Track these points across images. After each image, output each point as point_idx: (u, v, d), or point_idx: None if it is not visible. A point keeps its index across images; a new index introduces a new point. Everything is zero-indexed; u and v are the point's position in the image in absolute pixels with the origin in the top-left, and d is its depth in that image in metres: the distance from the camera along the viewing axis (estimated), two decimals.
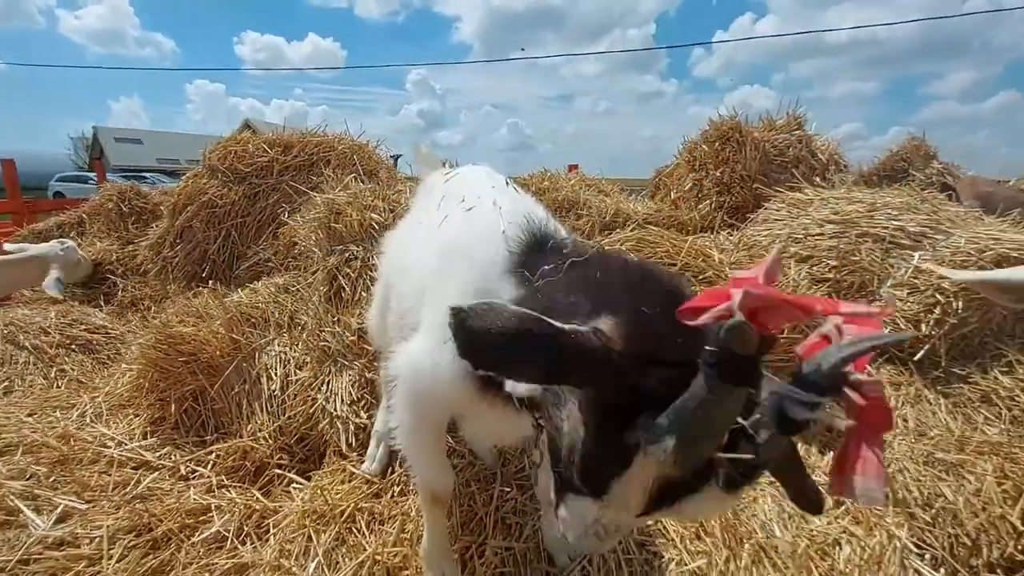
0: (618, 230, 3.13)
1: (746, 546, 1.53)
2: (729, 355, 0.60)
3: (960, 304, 2.44)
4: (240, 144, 4.21)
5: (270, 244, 3.83)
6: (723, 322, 0.61)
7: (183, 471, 2.11)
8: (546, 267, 1.00)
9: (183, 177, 4.49)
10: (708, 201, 4.40)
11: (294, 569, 1.56)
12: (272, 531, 1.76)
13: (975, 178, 4.74)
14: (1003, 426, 2.19)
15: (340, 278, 2.60)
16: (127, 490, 1.92)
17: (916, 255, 2.50)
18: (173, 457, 2.19)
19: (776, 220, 3.24)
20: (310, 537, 1.68)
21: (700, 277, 2.36)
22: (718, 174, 4.40)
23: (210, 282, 3.69)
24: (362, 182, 3.46)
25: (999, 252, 2.41)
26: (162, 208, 4.76)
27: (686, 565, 1.50)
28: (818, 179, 3.95)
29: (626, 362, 0.71)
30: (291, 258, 3.49)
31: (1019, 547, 1.75)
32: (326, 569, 1.57)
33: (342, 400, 2.27)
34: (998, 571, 1.75)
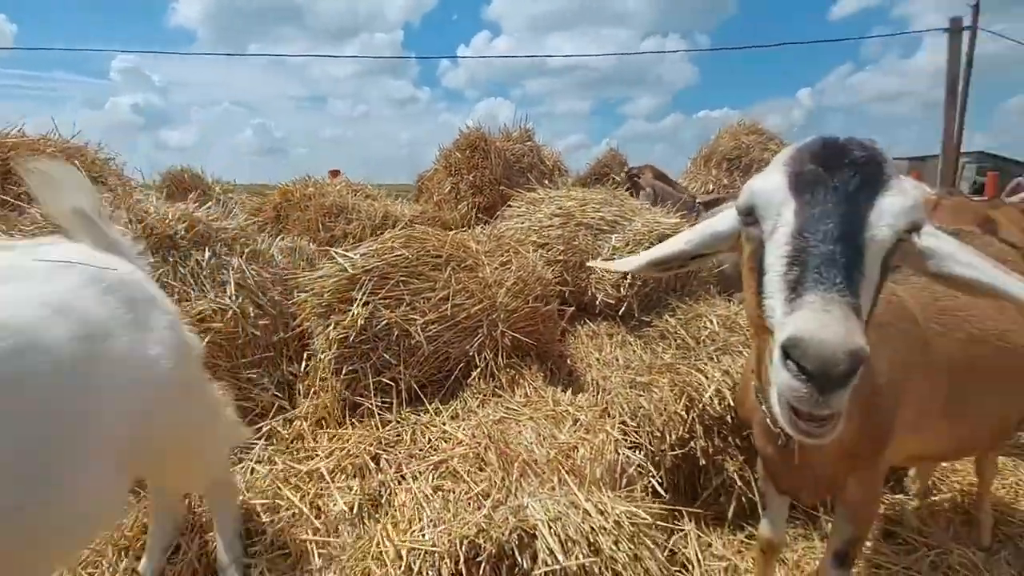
0: (388, 230, 3.42)
1: (515, 465, 1.99)
2: None
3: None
4: None
5: None
6: None
7: None
8: None
9: None
10: (466, 202, 5.00)
11: None
12: None
13: (651, 166, 6.26)
14: (672, 352, 3.14)
15: None
16: None
17: (612, 237, 3.38)
18: None
19: (518, 216, 3.92)
20: None
21: (463, 264, 2.80)
22: (471, 178, 5.03)
23: None
24: None
25: (661, 232, 3.42)
26: None
27: (474, 490, 1.89)
28: (547, 181, 4.84)
29: None
30: None
31: (685, 430, 2.60)
32: None
33: None
34: (676, 448, 2.56)
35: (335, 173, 6.31)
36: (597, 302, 3.48)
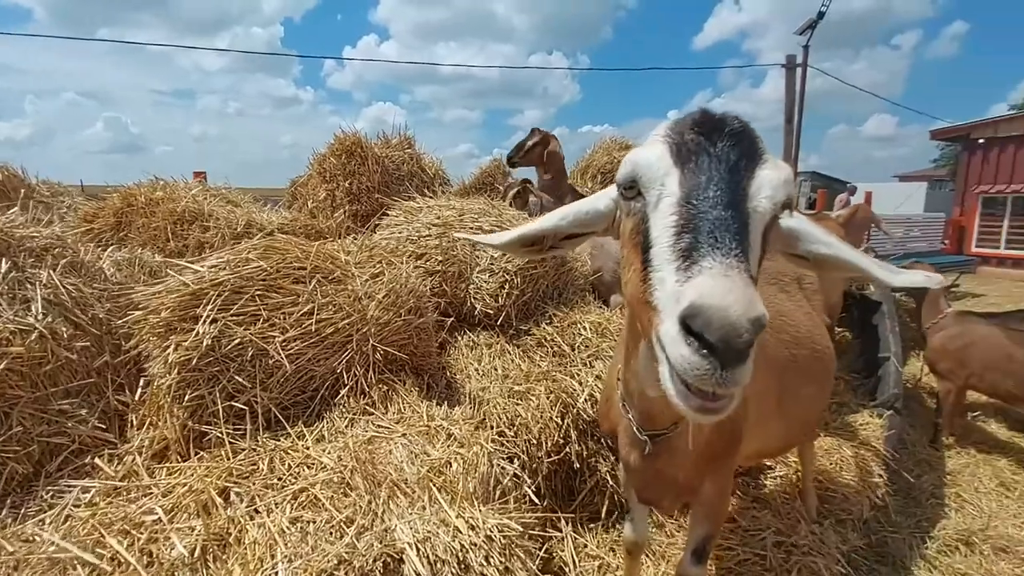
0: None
1: (383, 487, 1.89)
2: None
3: (519, 279, 3.43)
4: None
5: None
6: None
7: None
8: None
9: None
10: (341, 210, 4.75)
11: None
12: None
13: (529, 181, 6.44)
14: (549, 359, 3.21)
15: None
16: None
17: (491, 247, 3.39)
18: None
19: (396, 225, 3.79)
20: None
21: (330, 276, 2.63)
22: (347, 185, 4.79)
23: None
24: None
25: None
26: None
27: (337, 518, 1.76)
28: (427, 191, 4.75)
29: None
30: None
31: (560, 436, 2.64)
32: None
33: None
34: (552, 455, 2.60)
35: (199, 175, 5.73)
36: (476, 312, 3.46)
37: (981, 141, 15.47)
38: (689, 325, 0.85)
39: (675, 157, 1.03)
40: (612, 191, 1.27)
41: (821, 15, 13.97)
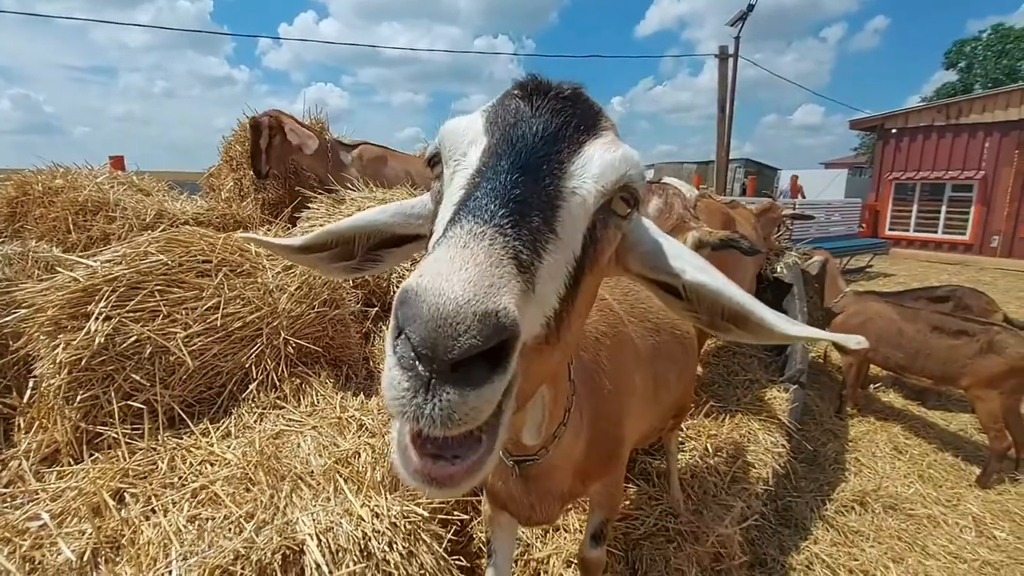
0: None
1: (286, 480, 1.88)
2: None
3: None
4: None
5: None
6: None
7: None
8: None
9: None
10: (249, 199, 4.59)
11: None
12: None
13: None
14: None
15: None
16: None
17: None
18: None
19: (317, 218, 3.72)
20: None
21: (238, 270, 2.57)
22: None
23: None
24: None
25: None
26: None
27: (236, 514, 1.75)
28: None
29: None
30: None
31: None
32: None
33: None
34: None
35: (116, 160, 5.37)
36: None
37: (894, 131, 16.61)
38: (400, 320, 0.60)
39: (487, 124, 0.84)
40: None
41: (751, 7, 14.49)
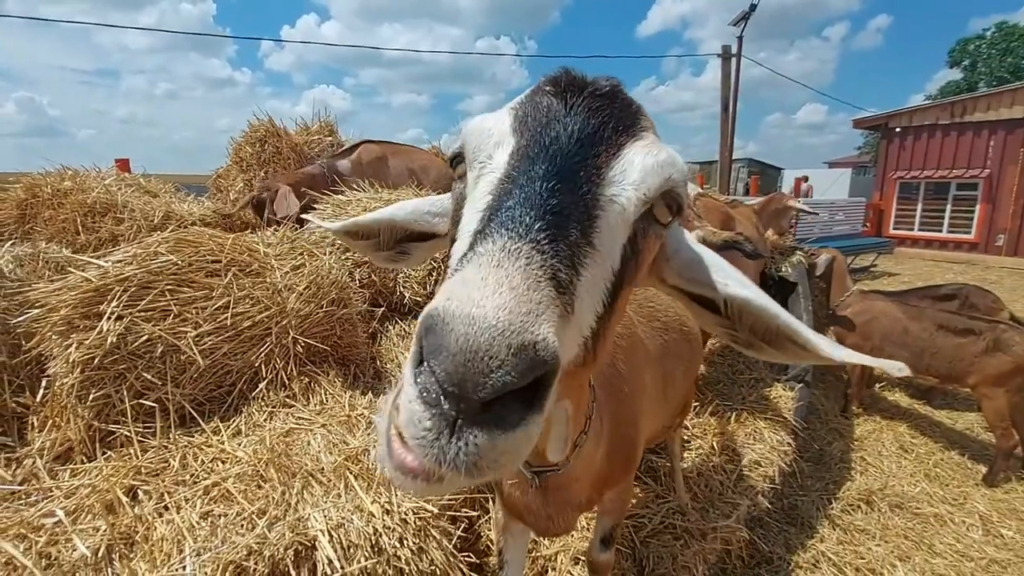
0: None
1: (297, 477, 1.90)
2: None
3: (447, 266, 3.46)
4: None
5: None
6: None
7: None
8: None
9: None
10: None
11: None
12: None
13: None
14: None
15: None
16: None
17: None
18: None
19: (324, 219, 3.73)
20: None
21: (247, 270, 2.59)
22: (263, 174, 4.65)
23: None
24: None
25: None
26: None
27: (249, 510, 1.76)
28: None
29: None
30: None
31: None
32: None
33: None
34: None
35: (122, 162, 5.41)
36: (406, 300, 3.47)
37: (898, 130, 16.57)
38: (424, 345, 0.54)
39: (515, 124, 0.77)
40: None
41: (753, 7, 14.46)
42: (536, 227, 0.62)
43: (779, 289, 5.45)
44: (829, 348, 0.86)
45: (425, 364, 0.53)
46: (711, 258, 0.93)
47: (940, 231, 16.17)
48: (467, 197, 0.79)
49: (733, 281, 0.90)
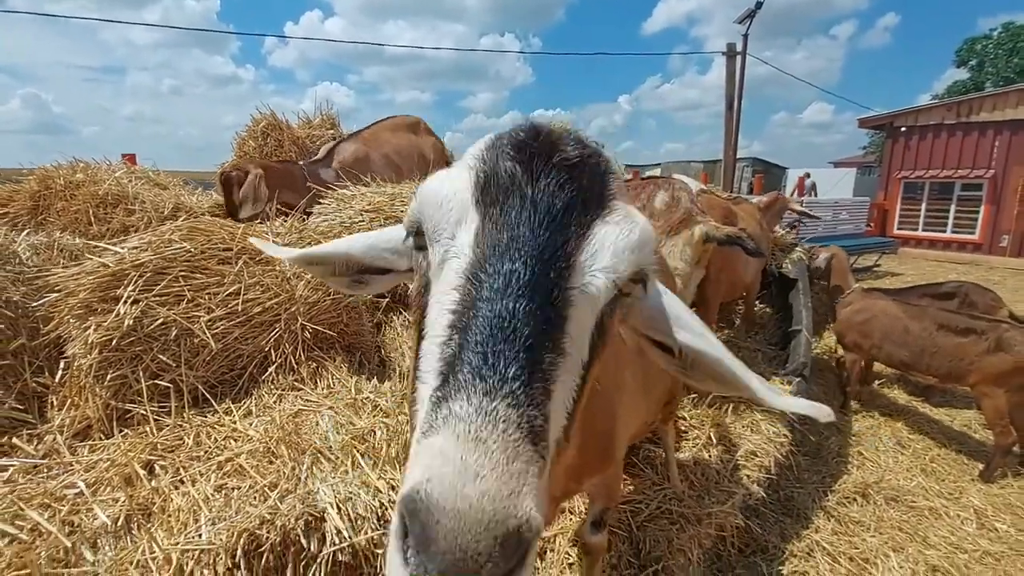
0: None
1: (307, 454, 1.98)
2: None
3: None
4: None
5: None
6: None
7: None
8: None
9: None
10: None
11: None
12: None
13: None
14: None
15: None
16: None
17: None
18: None
19: (328, 212, 3.80)
20: None
21: (257, 258, 2.67)
22: None
23: None
24: None
25: None
26: None
27: (261, 483, 1.84)
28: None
29: None
30: None
31: None
32: None
33: None
34: None
35: (129, 157, 5.51)
36: (409, 291, 3.54)
37: (903, 129, 16.53)
38: (408, 526, 0.55)
39: (478, 194, 0.73)
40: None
41: (759, 4, 14.45)
42: (511, 375, 0.61)
43: (779, 286, 5.51)
44: (769, 395, 0.92)
45: (412, 552, 0.54)
46: (672, 307, 0.95)
47: (944, 231, 16.14)
48: (432, 282, 0.77)
49: (691, 333, 0.93)
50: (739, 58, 14.88)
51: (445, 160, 5.87)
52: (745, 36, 14.93)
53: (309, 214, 3.87)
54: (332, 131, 5.29)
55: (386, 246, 1.06)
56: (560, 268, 0.68)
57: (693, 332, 0.93)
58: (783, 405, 0.91)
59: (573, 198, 0.71)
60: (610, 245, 0.72)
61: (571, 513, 2.69)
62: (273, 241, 2.82)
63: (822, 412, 0.90)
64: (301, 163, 4.78)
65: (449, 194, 0.75)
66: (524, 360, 0.62)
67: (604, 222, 0.73)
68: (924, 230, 16.53)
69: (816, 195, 16.97)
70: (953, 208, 15.90)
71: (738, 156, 16.23)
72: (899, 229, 16.81)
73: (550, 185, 0.71)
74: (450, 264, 0.73)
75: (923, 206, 16.51)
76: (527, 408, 0.60)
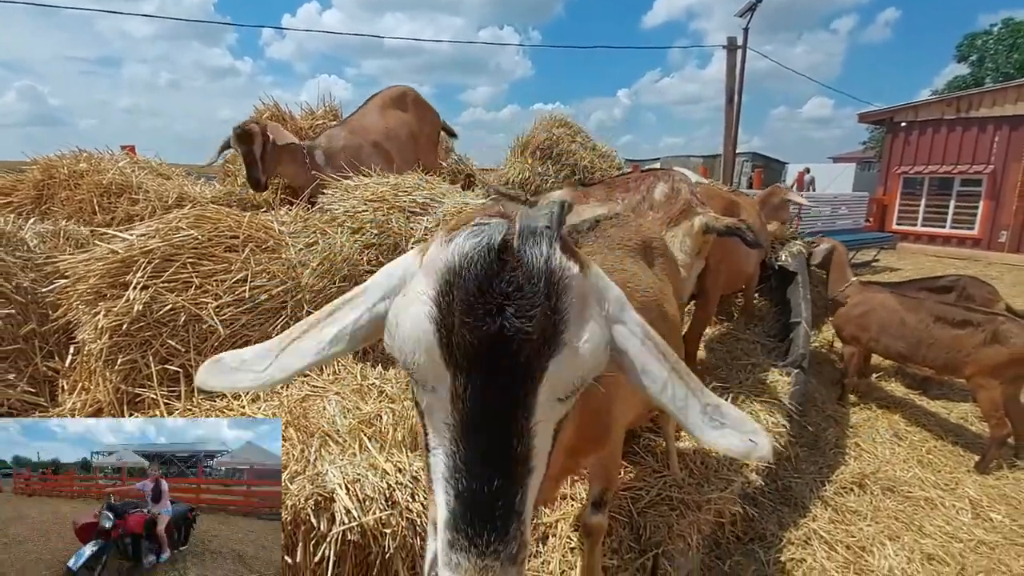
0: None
1: (315, 436, 2.02)
2: None
3: None
4: None
5: None
6: None
7: None
8: None
9: None
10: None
11: None
12: None
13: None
14: None
15: None
16: None
17: (425, 219, 3.50)
18: None
19: (332, 202, 3.82)
20: None
21: (263, 246, 2.70)
22: None
23: None
24: None
25: (467, 212, 3.61)
26: None
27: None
28: None
29: None
30: None
31: None
32: None
33: None
34: None
35: (129, 148, 5.51)
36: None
37: (903, 124, 16.54)
38: None
39: (445, 353, 0.75)
40: (389, 287, 0.92)
41: None
42: (493, 537, 0.73)
43: (779, 278, 5.54)
44: (699, 428, 0.95)
45: None
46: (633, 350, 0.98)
47: (943, 227, 16.18)
48: (426, 417, 0.83)
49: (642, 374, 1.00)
50: (739, 52, 14.83)
51: (438, 128, 5.79)
52: (746, 30, 14.88)
53: (313, 203, 3.89)
54: (334, 121, 5.30)
55: (356, 326, 0.93)
56: (521, 425, 0.76)
57: (647, 374, 0.98)
58: (709, 439, 0.93)
59: (530, 356, 0.74)
60: (560, 379, 0.77)
61: (572, 500, 2.73)
62: (279, 229, 2.85)
63: (759, 452, 0.90)
64: (305, 143, 4.74)
65: (421, 335, 0.76)
66: (501, 521, 0.73)
67: (558, 360, 0.76)
68: (923, 225, 16.57)
69: (815, 190, 16.98)
70: (952, 203, 15.94)
71: (738, 151, 16.22)
72: (898, 224, 16.85)
73: (508, 350, 0.73)
74: (437, 415, 0.79)
75: (922, 201, 16.54)
76: (508, 546, 0.73)
